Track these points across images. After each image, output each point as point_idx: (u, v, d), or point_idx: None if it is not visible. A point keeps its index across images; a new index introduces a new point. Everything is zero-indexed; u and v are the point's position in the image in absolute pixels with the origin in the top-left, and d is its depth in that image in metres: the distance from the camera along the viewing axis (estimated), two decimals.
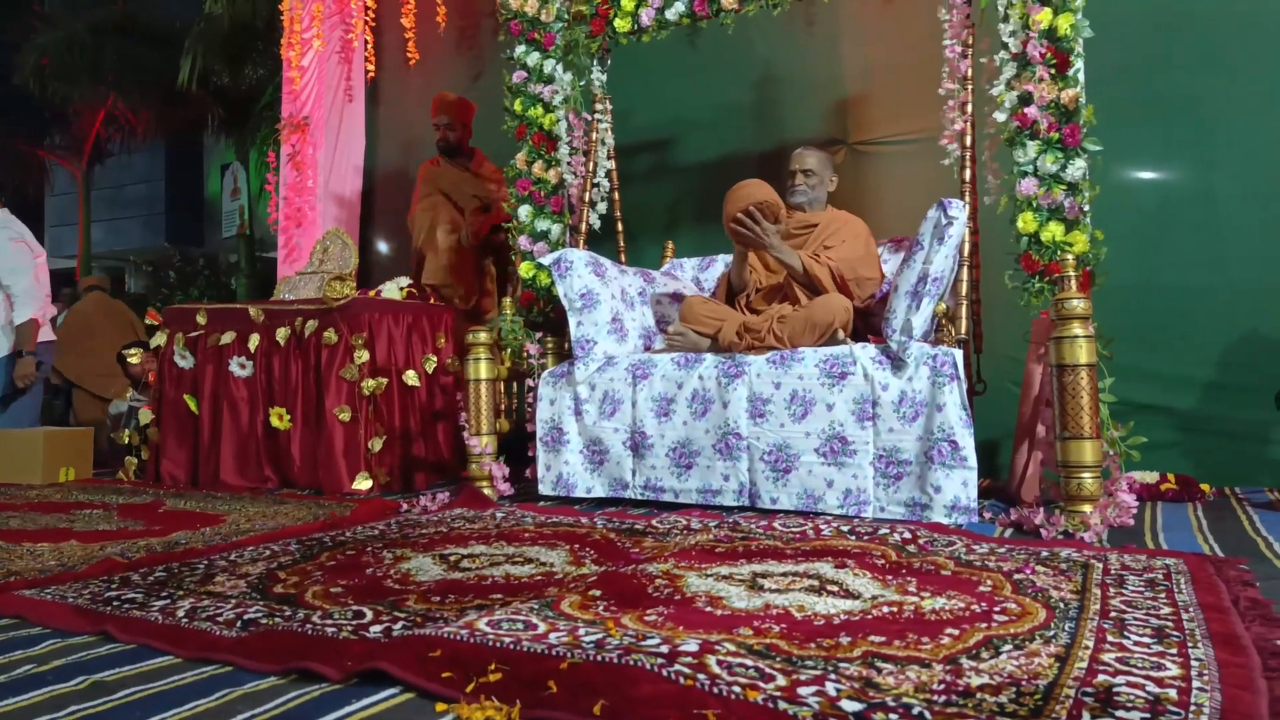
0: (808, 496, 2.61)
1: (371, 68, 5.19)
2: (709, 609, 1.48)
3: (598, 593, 1.58)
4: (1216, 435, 3.35)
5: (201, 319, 3.76)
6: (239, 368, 3.62)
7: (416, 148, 4.74)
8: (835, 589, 1.63)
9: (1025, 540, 2.18)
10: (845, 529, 2.24)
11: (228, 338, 3.65)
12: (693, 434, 2.78)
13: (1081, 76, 2.58)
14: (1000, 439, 3.40)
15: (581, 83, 3.40)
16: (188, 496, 3.33)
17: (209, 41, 7.39)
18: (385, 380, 3.44)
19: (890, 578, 1.72)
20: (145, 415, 3.85)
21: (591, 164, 3.45)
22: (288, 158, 5.17)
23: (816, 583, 1.67)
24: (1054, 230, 2.56)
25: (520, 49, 3.43)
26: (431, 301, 3.80)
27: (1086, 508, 2.23)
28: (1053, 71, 2.57)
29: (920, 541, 2.08)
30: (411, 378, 3.52)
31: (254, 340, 3.60)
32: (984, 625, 1.39)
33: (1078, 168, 2.54)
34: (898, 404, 2.52)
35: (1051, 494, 2.41)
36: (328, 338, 3.44)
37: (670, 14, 3.17)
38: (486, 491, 3.01)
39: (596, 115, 3.49)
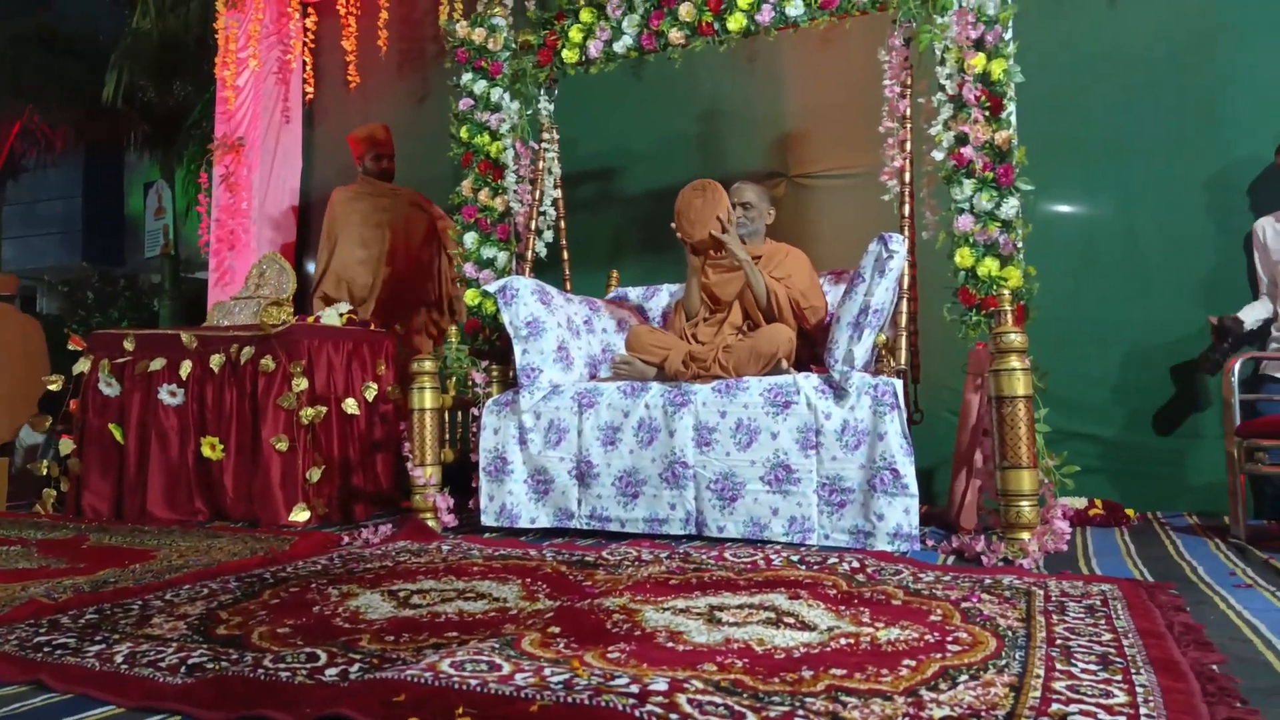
0: (754, 525, 2.64)
1: (310, 89, 5.10)
2: (671, 644, 1.48)
3: (557, 629, 1.57)
4: (1136, 461, 3.50)
5: (129, 345, 3.62)
6: (169, 395, 3.49)
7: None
8: (792, 621, 1.65)
9: (967, 568, 2.24)
10: (795, 559, 2.26)
11: (157, 364, 3.52)
12: (639, 463, 2.78)
13: (1014, 119, 2.70)
14: (937, 466, 3.50)
15: (529, 111, 3.41)
16: (113, 531, 3.19)
17: (136, 57, 7.16)
18: (324, 409, 3.36)
19: (843, 608, 1.75)
20: (66, 445, 3.68)
21: (539, 192, 3.45)
22: (220, 179, 5.05)
23: (773, 615, 1.69)
24: (990, 265, 2.66)
25: (467, 76, 3.42)
26: (372, 328, 3.74)
27: (1025, 535, 2.31)
28: (987, 114, 2.68)
29: (868, 570, 2.12)
30: (351, 406, 3.45)
31: (186, 367, 3.48)
32: (939, 655, 1.43)
33: (1011, 206, 2.65)
34: (840, 433, 2.57)
35: (991, 521, 2.48)
36: (265, 365, 3.35)
37: (618, 47, 3.21)
38: (430, 523, 2.96)
39: (544, 144, 3.50)
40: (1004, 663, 1.39)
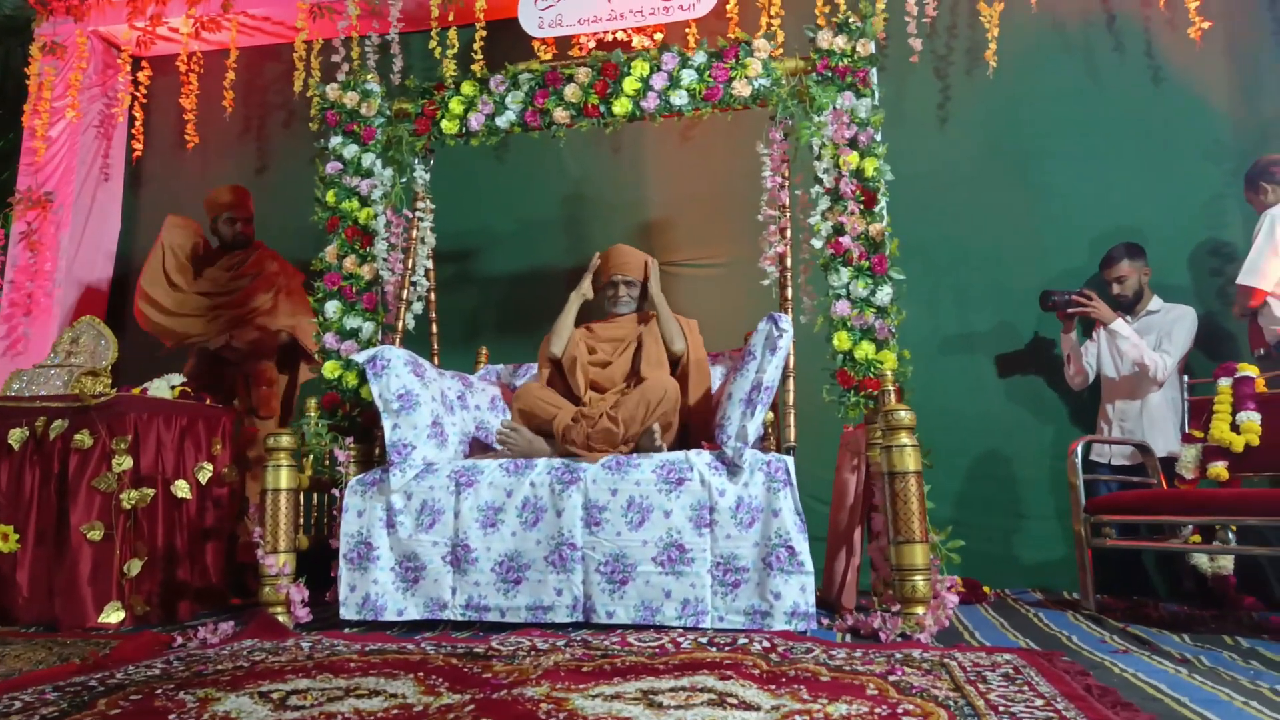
0: (645, 608, 2.53)
1: (139, 146, 4.69)
2: None
3: None
4: (973, 540, 3.70)
5: None
6: None
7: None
8: (735, 701, 1.56)
9: (868, 643, 2.24)
10: (703, 640, 2.18)
11: None
12: (523, 545, 2.62)
13: (886, 214, 2.88)
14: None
15: (403, 179, 3.28)
16: None
17: None
18: (151, 491, 2.96)
19: (775, 687, 1.68)
20: None
21: (411, 262, 3.29)
22: (20, 236, 4.49)
23: (713, 696, 1.59)
24: (866, 349, 2.78)
25: (336, 140, 3.26)
26: (208, 402, 3.37)
27: (920, 609, 2.34)
28: (862, 207, 2.85)
29: (780, 650, 2.06)
30: (182, 489, 3.06)
31: None
32: None
33: (886, 293, 2.80)
34: (735, 510, 2.54)
35: (883, 598, 2.51)
36: (79, 441, 2.92)
37: (501, 121, 3.17)
38: (282, 619, 2.63)
39: (418, 213, 3.36)
40: None
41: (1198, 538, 2.83)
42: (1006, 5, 3.81)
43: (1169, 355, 3.31)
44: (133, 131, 4.71)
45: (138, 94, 4.70)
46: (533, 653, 2.12)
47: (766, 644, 2.10)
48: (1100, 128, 3.89)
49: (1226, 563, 2.87)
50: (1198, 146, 3.81)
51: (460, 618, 2.64)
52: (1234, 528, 2.59)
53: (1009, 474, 3.82)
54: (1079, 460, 2.95)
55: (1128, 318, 3.46)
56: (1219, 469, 2.89)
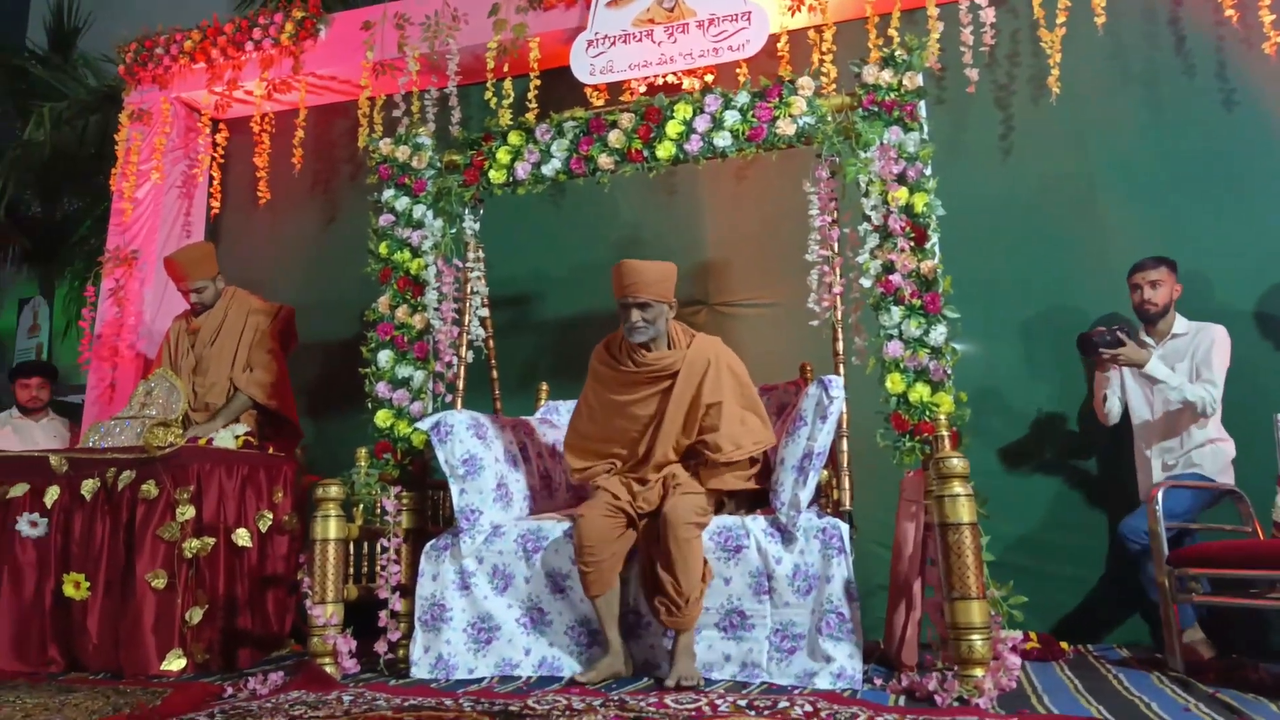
0: (703, 669, 2.50)
1: (216, 204, 4.92)
2: None
3: None
4: (1055, 593, 3.48)
5: None
6: (29, 526, 3.09)
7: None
8: None
9: (921, 708, 2.11)
10: (742, 703, 2.09)
11: (18, 490, 3.13)
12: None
13: (938, 250, 2.77)
14: (865, 597, 3.38)
15: (452, 230, 3.33)
16: None
17: (25, 168, 6.83)
18: (212, 540, 3.03)
19: None
20: None
21: (467, 314, 3.33)
22: (109, 292, 4.73)
23: None
24: (921, 391, 2.66)
25: (389, 193, 3.34)
26: (271, 451, 3.45)
27: (979, 671, 2.20)
28: (912, 244, 2.75)
29: (823, 714, 1.96)
30: (243, 537, 3.13)
31: (51, 494, 3.11)
32: None
33: (940, 333, 2.68)
34: (791, 577, 2.52)
35: (941, 657, 2.37)
36: (146, 491, 3.02)
37: (546, 170, 3.19)
38: (329, 670, 2.64)
39: (469, 263, 3.41)
40: None
41: None
42: (1069, 30, 3.66)
43: (1213, 385, 3.06)
44: (211, 190, 4.94)
45: (216, 154, 4.93)
46: (568, 712, 2.06)
47: (809, 708, 2.00)
48: (1168, 155, 3.66)
49: None
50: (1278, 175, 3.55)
51: (534, 675, 2.65)
52: None
53: (1073, 519, 3.58)
54: (1159, 508, 2.74)
55: (1154, 346, 3.22)
56: None
